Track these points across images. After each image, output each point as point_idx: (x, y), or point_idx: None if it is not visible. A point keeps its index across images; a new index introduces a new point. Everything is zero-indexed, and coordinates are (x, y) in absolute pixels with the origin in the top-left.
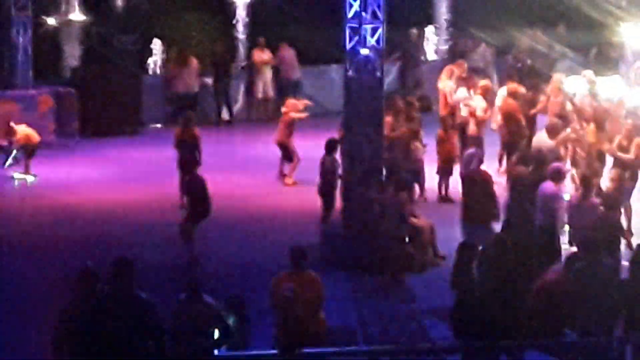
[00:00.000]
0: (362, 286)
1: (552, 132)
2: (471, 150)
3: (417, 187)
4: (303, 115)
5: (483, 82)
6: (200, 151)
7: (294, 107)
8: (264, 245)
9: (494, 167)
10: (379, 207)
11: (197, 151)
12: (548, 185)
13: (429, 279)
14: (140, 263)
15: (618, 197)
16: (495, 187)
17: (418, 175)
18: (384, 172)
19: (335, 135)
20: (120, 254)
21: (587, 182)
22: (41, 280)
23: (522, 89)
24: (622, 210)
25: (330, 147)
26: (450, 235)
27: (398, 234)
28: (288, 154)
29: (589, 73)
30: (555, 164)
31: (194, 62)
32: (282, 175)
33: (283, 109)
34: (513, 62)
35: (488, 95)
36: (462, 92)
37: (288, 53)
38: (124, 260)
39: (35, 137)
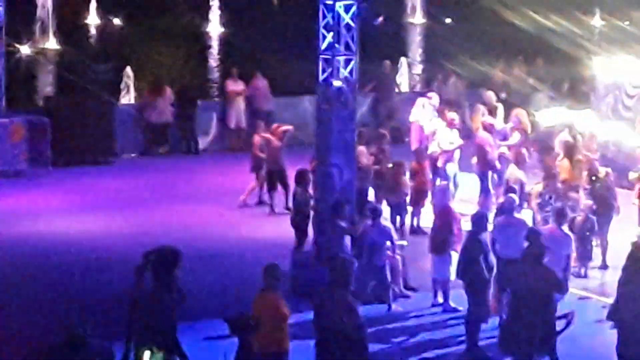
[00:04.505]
0: None
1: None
2: (442, 184)
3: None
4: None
5: (450, 115)
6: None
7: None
8: (236, 275)
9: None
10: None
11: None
12: None
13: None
14: (109, 294)
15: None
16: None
17: (402, 208)
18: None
19: (308, 166)
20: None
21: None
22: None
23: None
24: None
25: (301, 178)
26: (420, 267)
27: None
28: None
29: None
30: None
31: (168, 91)
32: (272, 209)
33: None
34: (494, 95)
35: (455, 127)
36: (435, 123)
37: (261, 83)
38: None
39: None
